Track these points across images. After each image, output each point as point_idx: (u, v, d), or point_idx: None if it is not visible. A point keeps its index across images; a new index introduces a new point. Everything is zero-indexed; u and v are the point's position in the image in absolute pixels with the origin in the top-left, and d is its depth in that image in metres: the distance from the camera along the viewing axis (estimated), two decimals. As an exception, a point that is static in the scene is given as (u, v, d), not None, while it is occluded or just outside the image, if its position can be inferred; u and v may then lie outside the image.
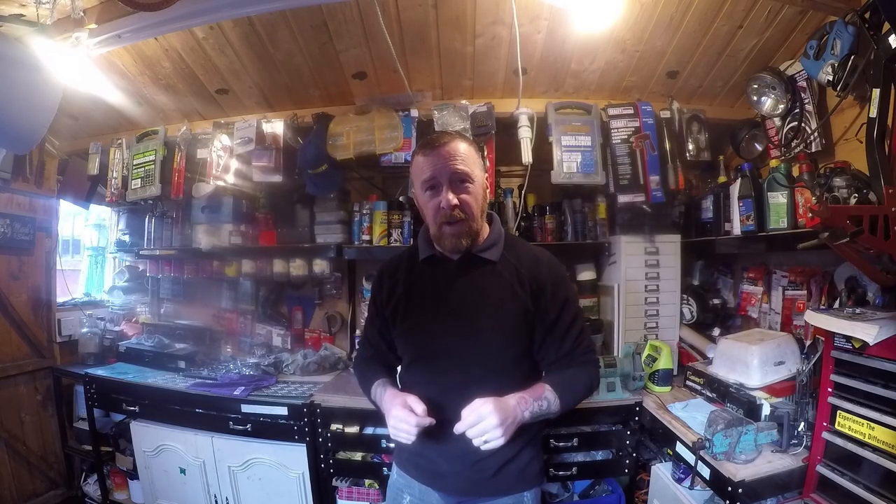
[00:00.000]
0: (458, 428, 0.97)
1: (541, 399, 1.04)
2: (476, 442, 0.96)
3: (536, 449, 1.21)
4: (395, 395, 1.08)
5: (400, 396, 1.06)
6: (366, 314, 1.42)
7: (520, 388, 1.07)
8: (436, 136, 1.11)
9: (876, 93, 1.19)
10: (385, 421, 1.07)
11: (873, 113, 1.19)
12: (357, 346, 2.30)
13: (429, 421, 1.01)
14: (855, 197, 1.37)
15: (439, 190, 1.06)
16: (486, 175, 1.18)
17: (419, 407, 1.01)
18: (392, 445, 1.44)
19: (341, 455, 1.84)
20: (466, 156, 1.08)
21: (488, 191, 1.19)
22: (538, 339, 1.14)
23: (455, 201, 1.05)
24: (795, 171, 1.68)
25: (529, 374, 1.17)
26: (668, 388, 1.81)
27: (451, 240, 1.09)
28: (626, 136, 2.01)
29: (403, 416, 1.01)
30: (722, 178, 2.06)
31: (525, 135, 2.00)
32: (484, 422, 0.94)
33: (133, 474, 2.24)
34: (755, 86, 1.79)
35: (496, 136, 2.04)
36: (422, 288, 1.18)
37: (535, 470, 1.19)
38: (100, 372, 2.27)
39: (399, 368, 1.29)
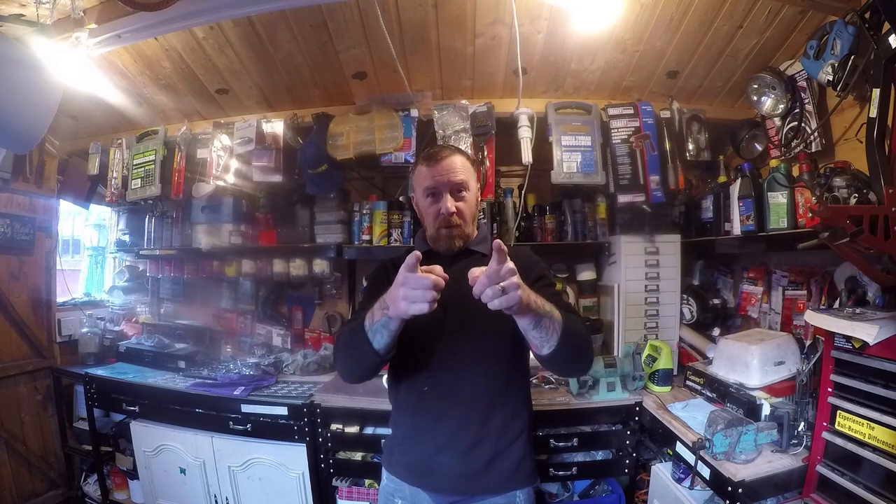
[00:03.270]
0: (474, 272, 0.87)
1: (544, 302, 0.94)
2: (487, 291, 0.85)
3: (528, 446, 1.21)
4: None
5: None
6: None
7: (508, 371, 1.16)
8: (438, 149, 1.24)
9: (876, 93, 1.20)
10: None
11: (873, 113, 1.19)
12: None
13: (441, 276, 0.90)
14: (855, 197, 1.37)
15: (439, 197, 1.18)
16: (479, 186, 1.34)
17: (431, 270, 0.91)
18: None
19: (341, 455, 1.85)
20: (464, 168, 1.21)
21: (479, 199, 1.31)
22: None
23: (454, 208, 1.17)
24: (795, 171, 1.68)
25: (515, 357, 1.18)
26: (668, 388, 1.82)
27: (446, 241, 1.20)
28: (626, 136, 2.01)
29: (418, 277, 0.89)
30: (722, 178, 2.07)
31: (525, 135, 2.01)
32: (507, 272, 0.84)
33: (133, 474, 2.24)
34: (755, 86, 1.80)
35: (496, 136, 2.04)
36: None
37: (528, 469, 1.20)
38: (100, 372, 2.27)
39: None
